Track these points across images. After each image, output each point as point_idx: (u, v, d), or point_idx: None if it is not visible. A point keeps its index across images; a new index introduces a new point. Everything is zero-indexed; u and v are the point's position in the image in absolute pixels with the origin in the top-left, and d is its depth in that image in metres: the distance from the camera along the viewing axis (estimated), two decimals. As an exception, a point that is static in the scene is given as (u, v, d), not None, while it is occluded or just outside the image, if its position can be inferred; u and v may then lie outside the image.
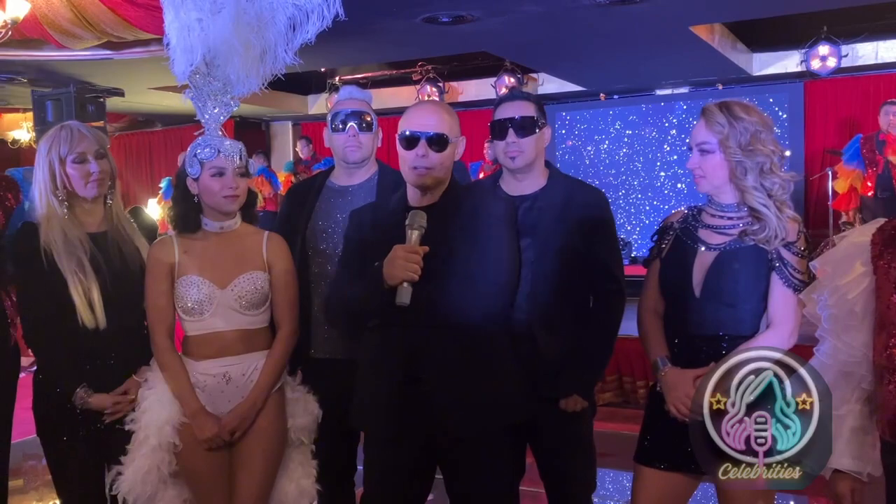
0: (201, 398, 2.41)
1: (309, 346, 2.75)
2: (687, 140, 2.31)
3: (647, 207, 10.43)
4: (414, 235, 2.20)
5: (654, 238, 2.41)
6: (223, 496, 2.44)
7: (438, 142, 2.27)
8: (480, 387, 2.25)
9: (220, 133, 2.47)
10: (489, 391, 2.27)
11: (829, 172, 8.73)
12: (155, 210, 10.41)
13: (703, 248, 2.26)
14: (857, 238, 2.00)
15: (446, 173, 2.33)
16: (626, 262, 8.52)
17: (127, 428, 2.42)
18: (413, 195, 2.35)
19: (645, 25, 6.89)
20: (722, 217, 2.28)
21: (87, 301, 2.42)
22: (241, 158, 2.44)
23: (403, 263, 2.14)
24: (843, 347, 1.92)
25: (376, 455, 2.38)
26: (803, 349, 2.13)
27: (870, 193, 7.59)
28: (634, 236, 9.96)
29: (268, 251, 2.51)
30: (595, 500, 2.77)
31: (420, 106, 2.40)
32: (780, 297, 2.19)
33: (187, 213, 2.48)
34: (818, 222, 8.71)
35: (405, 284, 2.14)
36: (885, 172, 7.42)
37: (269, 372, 2.46)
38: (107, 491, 2.46)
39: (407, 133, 2.28)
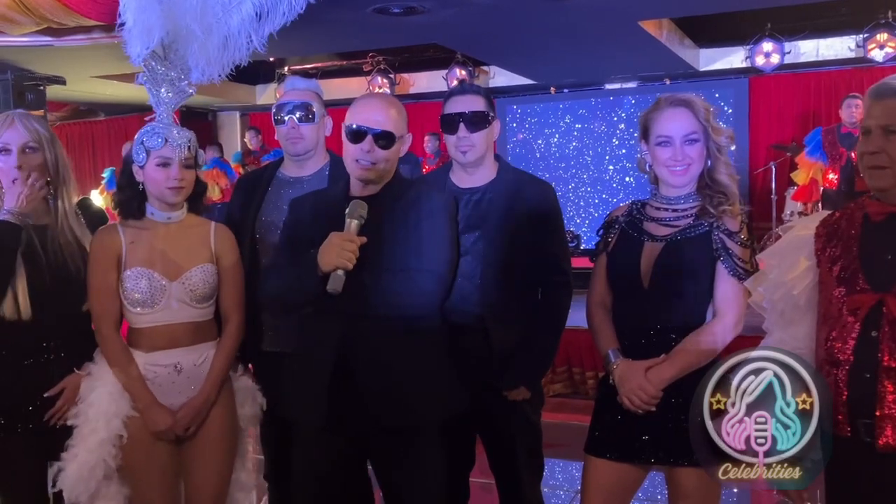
0: (152, 390, 2.36)
1: (260, 340, 2.71)
2: (649, 134, 2.29)
3: (596, 200, 10.53)
4: (353, 224, 2.19)
5: (600, 232, 2.43)
6: (163, 498, 2.39)
7: (385, 139, 2.26)
8: (413, 378, 2.23)
9: (173, 120, 2.40)
10: (422, 383, 2.25)
11: (773, 167, 8.93)
12: (98, 202, 10.14)
13: (649, 240, 2.28)
14: (801, 231, 2.03)
15: (390, 167, 2.32)
16: (575, 254, 8.60)
17: (70, 423, 2.35)
18: (355, 185, 2.33)
19: (595, 19, 6.93)
20: (667, 209, 2.30)
21: (12, 291, 2.33)
22: (189, 149, 2.37)
23: (338, 250, 2.13)
24: (788, 340, 1.95)
25: (305, 447, 2.36)
26: (749, 339, 2.17)
27: (834, 186, 7.36)
28: (584, 229, 10.04)
29: (216, 243, 2.47)
30: (545, 489, 2.79)
31: (369, 100, 2.37)
32: (726, 287, 2.22)
33: (130, 200, 2.41)
34: (762, 216, 8.88)
35: (339, 272, 2.13)
36: (848, 165, 7.15)
37: (220, 364, 2.44)
38: (49, 488, 2.36)
39: (354, 127, 2.26)
